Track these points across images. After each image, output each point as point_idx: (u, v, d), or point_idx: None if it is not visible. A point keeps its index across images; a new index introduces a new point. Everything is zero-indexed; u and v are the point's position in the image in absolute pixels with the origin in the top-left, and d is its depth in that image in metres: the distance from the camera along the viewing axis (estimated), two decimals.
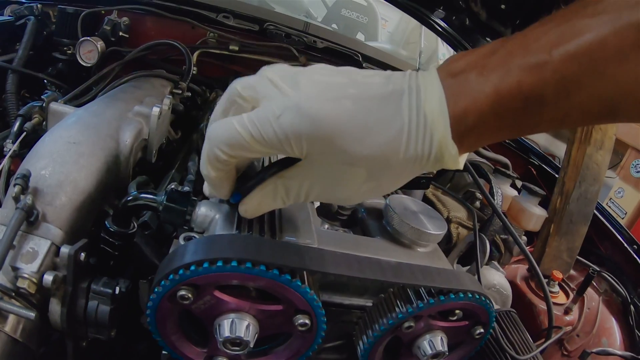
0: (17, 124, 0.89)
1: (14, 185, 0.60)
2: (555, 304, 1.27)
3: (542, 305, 1.25)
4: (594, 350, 1.20)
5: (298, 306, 0.56)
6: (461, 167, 0.47)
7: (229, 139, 0.46)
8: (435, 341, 0.67)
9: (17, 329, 0.56)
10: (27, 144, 0.87)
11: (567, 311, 1.26)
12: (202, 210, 0.64)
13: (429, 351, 0.66)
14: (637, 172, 3.09)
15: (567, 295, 1.32)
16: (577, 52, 0.38)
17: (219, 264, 0.51)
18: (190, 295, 0.53)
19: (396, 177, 0.49)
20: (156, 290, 0.53)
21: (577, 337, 1.27)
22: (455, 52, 1.75)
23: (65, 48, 1.20)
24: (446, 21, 1.61)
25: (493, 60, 0.42)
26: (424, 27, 1.93)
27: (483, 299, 0.67)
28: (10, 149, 0.87)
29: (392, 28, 2.29)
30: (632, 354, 1.24)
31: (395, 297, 0.64)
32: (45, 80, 1.15)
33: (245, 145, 0.46)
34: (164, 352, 0.80)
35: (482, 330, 0.71)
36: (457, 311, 0.70)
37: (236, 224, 0.61)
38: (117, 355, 0.86)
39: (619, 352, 1.23)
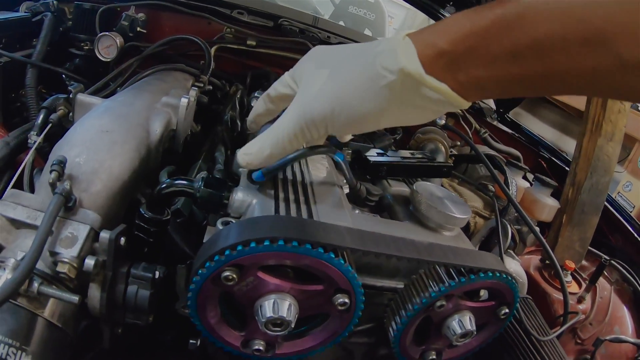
0: (42, 116, 0.89)
1: (50, 171, 0.61)
2: (568, 293, 1.29)
3: (555, 294, 1.27)
4: (607, 337, 1.22)
5: (339, 285, 0.57)
6: (459, 104, 0.49)
7: None
8: (464, 320, 0.69)
9: (55, 314, 0.57)
10: (50, 137, 0.88)
11: (580, 300, 1.28)
12: (239, 196, 0.65)
13: (459, 330, 0.68)
14: None
15: (580, 285, 1.34)
16: None
17: (266, 243, 0.52)
18: (234, 276, 0.54)
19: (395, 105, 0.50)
20: (200, 272, 0.54)
21: (590, 326, 1.29)
22: None
23: (82, 44, 1.21)
24: None
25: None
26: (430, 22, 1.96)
27: (509, 278, 0.68)
28: (35, 141, 0.88)
29: (398, 25, 2.32)
30: None
31: (427, 277, 0.66)
32: (63, 75, 1.15)
33: None
34: (191, 341, 0.81)
35: (507, 310, 0.73)
36: (482, 291, 0.72)
37: (274, 209, 0.62)
38: (144, 346, 0.87)
39: (632, 340, 1.25)
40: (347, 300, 0.58)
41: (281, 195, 0.67)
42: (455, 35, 0.44)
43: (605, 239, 1.48)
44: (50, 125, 0.86)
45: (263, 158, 0.59)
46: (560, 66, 0.41)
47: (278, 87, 0.61)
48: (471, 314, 0.70)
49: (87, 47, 1.20)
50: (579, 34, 0.38)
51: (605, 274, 1.39)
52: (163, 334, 0.84)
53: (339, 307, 0.59)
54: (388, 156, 0.88)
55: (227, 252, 0.52)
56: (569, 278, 1.34)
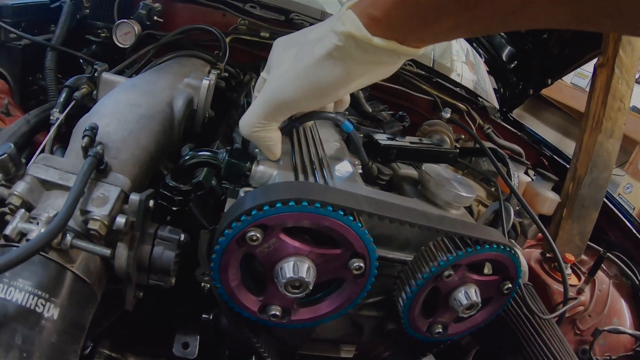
0: (65, 94, 0.92)
1: (83, 137, 0.63)
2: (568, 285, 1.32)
3: (555, 286, 1.30)
4: (605, 328, 1.25)
5: (355, 248, 0.60)
6: (411, 53, 0.53)
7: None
8: (470, 292, 0.72)
9: (84, 270, 0.59)
10: (69, 118, 0.91)
11: (579, 292, 1.31)
12: (261, 168, 0.68)
13: (465, 301, 0.71)
14: None
15: (579, 278, 1.37)
16: None
17: (291, 203, 0.55)
18: (259, 235, 0.57)
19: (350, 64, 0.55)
20: (226, 232, 0.57)
21: (589, 317, 1.32)
22: (470, 47, 1.82)
23: (99, 31, 1.24)
24: None
25: None
26: None
27: (512, 252, 0.72)
28: (58, 118, 0.91)
29: None
30: None
31: (436, 248, 0.69)
32: (80, 60, 1.19)
33: None
34: (204, 315, 0.84)
35: (510, 285, 0.76)
36: (487, 265, 0.75)
37: (294, 179, 0.66)
38: (158, 318, 0.90)
39: (630, 331, 1.28)
40: (362, 265, 0.61)
41: (300, 168, 0.70)
42: (384, 3, 0.49)
43: (605, 235, 1.52)
44: (73, 102, 0.90)
45: (247, 136, 0.65)
46: (483, 11, 0.43)
47: (261, 77, 0.66)
48: (476, 287, 0.73)
49: (104, 34, 1.23)
50: None
51: (604, 268, 1.43)
52: (178, 306, 0.87)
53: (354, 272, 0.62)
54: (397, 141, 0.91)
55: (254, 212, 0.56)
56: (569, 271, 1.37)
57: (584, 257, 1.45)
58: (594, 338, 1.25)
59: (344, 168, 0.75)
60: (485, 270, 0.78)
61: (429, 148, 0.92)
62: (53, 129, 0.86)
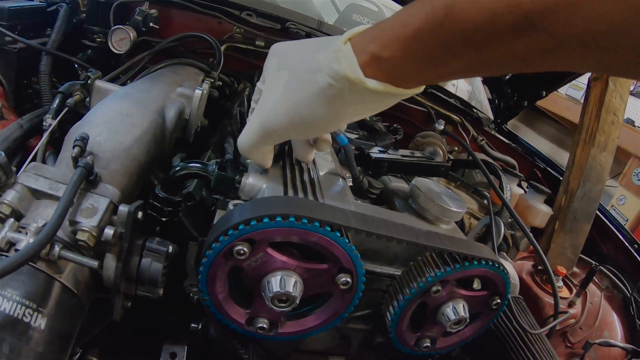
0: (58, 100, 0.92)
1: (74, 147, 0.64)
2: (559, 297, 1.33)
3: (547, 298, 1.31)
4: (596, 341, 1.26)
5: (343, 264, 0.60)
6: (405, 94, 0.52)
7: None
8: (458, 308, 0.72)
9: (72, 280, 0.59)
10: (62, 124, 0.91)
11: (570, 304, 1.32)
12: (251, 180, 0.68)
13: (453, 317, 0.71)
14: (639, 180, 3.19)
15: (571, 291, 1.37)
16: None
17: (278, 219, 0.55)
18: (246, 250, 0.57)
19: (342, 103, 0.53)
20: (213, 245, 0.58)
21: (580, 330, 1.32)
22: None
23: (95, 36, 1.25)
24: None
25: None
26: None
27: (501, 268, 0.72)
28: (50, 124, 0.91)
29: None
30: (633, 347, 1.30)
31: (424, 264, 0.69)
32: (76, 65, 1.19)
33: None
34: (193, 325, 0.84)
35: (498, 300, 0.77)
36: (475, 283, 0.75)
37: (283, 193, 0.66)
38: (147, 327, 0.90)
39: (621, 344, 1.29)
40: (349, 280, 0.62)
41: (289, 182, 0.70)
42: (389, 41, 0.46)
43: (597, 247, 1.53)
44: (66, 109, 0.90)
45: (244, 155, 0.66)
46: (495, 52, 0.41)
47: (257, 88, 0.64)
48: (465, 302, 0.73)
49: (99, 39, 1.24)
50: (509, 20, 0.38)
51: (596, 280, 1.43)
52: (167, 315, 0.86)
53: (341, 287, 0.62)
54: (389, 154, 0.91)
55: (241, 227, 0.56)
56: (560, 283, 1.38)
57: (576, 269, 1.45)
58: (585, 351, 1.25)
59: (334, 182, 0.75)
60: (475, 285, 0.79)
61: (420, 161, 0.92)
62: (45, 136, 0.86)
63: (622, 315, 1.38)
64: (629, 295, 1.36)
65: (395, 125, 1.20)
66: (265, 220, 0.55)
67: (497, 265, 0.72)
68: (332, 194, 0.70)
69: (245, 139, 0.63)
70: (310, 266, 0.61)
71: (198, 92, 0.84)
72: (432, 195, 0.77)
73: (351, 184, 0.80)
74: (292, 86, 0.55)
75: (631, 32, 0.33)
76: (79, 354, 0.81)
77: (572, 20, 0.35)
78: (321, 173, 0.77)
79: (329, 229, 0.57)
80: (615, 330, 1.34)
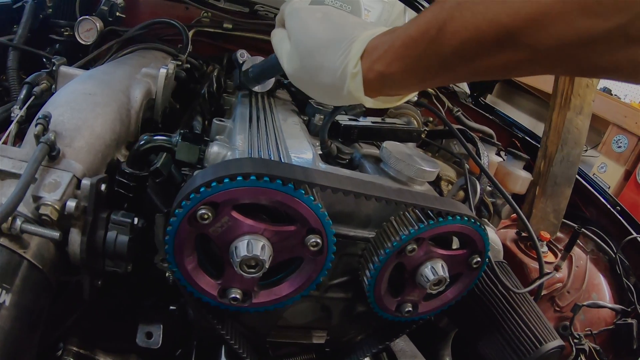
0: (24, 90, 0.91)
1: (36, 125, 0.63)
2: (544, 262, 1.33)
3: (532, 264, 1.31)
4: (584, 303, 1.26)
5: (310, 224, 0.60)
6: (393, 104, 0.59)
7: None
8: (437, 267, 0.71)
9: (37, 256, 0.58)
10: (32, 115, 0.90)
11: (556, 268, 1.32)
12: (215, 149, 0.67)
13: (431, 277, 0.70)
14: (619, 147, 3.25)
15: (556, 255, 1.38)
16: None
17: (239, 178, 0.54)
18: (209, 214, 0.56)
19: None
20: (177, 212, 0.57)
21: (567, 294, 1.33)
22: None
23: (62, 29, 1.23)
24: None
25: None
26: (407, 13, 2.01)
27: (478, 223, 0.71)
28: (17, 114, 0.89)
29: (374, 17, 2.37)
30: (622, 307, 1.31)
31: (397, 223, 0.69)
32: (44, 59, 1.17)
33: None
34: (171, 307, 0.83)
35: (479, 259, 0.76)
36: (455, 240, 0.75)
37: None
38: (125, 310, 0.89)
39: (610, 305, 1.29)
40: (319, 240, 0.61)
41: (255, 147, 0.69)
42: (390, 59, 0.52)
43: (580, 212, 1.53)
44: (33, 97, 0.88)
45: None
46: (482, 63, 0.46)
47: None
48: (443, 262, 0.72)
49: (67, 33, 1.22)
50: (492, 35, 0.42)
51: (581, 244, 1.44)
52: (144, 298, 0.85)
53: (312, 248, 0.61)
54: (358, 121, 0.91)
55: (202, 189, 0.55)
56: (545, 249, 1.38)
57: (560, 234, 1.45)
58: (574, 314, 1.26)
59: (302, 147, 0.74)
60: (454, 246, 0.78)
61: (391, 127, 0.92)
62: (12, 124, 0.85)
63: (609, 276, 1.38)
64: (614, 256, 1.37)
65: None
66: (226, 180, 0.54)
67: (473, 220, 0.71)
68: (300, 158, 0.70)
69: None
70: (278, 228, 0.60)
71: (163, 70, 0.83)
72: (403, 156, 0.77)
73: (320, 152, 0.79)
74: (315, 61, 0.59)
75: (597, 41, 0.38)
76: (61, 349, 0.81)
77: (546, 34, 0.39)
78: (289, 139, 0.76)
79: (292, 187, 0.56)
80: (603, 292, 1.35)
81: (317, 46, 0.58)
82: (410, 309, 0.77)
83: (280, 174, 0.56)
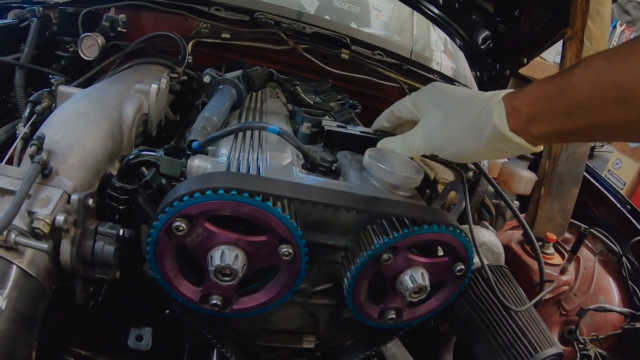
0: (28, 109, 0.96)
1: (30, 145, 0.68)
2: (551, 264, 1.30)
3: (537, 267, 1.28)
4: (591, 307, 1.23)
5: (281, 234, 0.61)
6: (531, 149, 0.67)
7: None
8: (416, 275, 0.71)
9: (31, 265, 0.63)
10: (37, 129, 0.95)
11: (562, 271, 1.29)
12: (196, 162, 0.70)
13: (410, 285, 0.71)
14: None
15: (563, 257, 1.35)
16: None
17: (208, 192, 0.57)
18: (184, 225, 0.59)
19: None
20: (155, 224, 0.60)
21: (574, 297, 1.29)
22: (448, 37, 1.82)
23: (67, 46, 1.28)
24: (434, 4, 1.68)
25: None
26: (415, 14, 2.00)
27: (457, 231, 0.71)
28: (21, 132, 0.95)
29: (385, 18, 2.38)
30: (631, 310, 1.27)
31: (373, 232, 0.69)
32: (50, 76, 1.22)
33: None
34: (167, 311, 0.86)
35: (462, 266, 0.75)
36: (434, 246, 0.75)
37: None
38: (121, 316, 0.93)
39: (617, 309, 1.25)
40: (290, 250, 0.63)
41: (235, 162, 0.72)
42: (531, 101, 0.64)
43: (589, 211, 1.50)
44: (35, 115, 0.94)
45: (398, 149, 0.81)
46: (601, 119, 0.56)
47: (402, 109, 0.83)
48: (424, 270, 0.72)
49: (72, 49, 1.27)
50: (613, 95, 0.54)
51: (589, 245, 1.40)
52: (140, 303, 0.89)
53: (284, 257, 0.63)
54: (347, 129, 0.91)
55: (175, 203, 0.58)
56: (551, 250, 1.35)
57: (568, 235, 1.42)
58: (580, 318, 1.22)
59: (281, 158, 0.76)
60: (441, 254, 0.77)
61: (377, 137, 0.92)
62: (17, 142, 0.90)
63: (619, 278, 1.34)
64: (620, 254, 1.33)
65: (351, 100, 1.22)
66: (197, 195, 0.57)
67: (451, 228, 0.71)
68: (276, 169, 0.72)
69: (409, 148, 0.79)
70: (251, 239, 0.62)
71: (154, 86, 0.87)
72: (385, 163, 0.77)
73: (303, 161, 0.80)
74: (453, 119, 0.73)
75: None
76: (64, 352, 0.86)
77: None
78: (271, 150, 0.78)
79: (259, 199, 0.58)
80: (612, 294, 1.31)
81: None
82: (393, 316, 0.77)
83: (248, 187, 0.58)
